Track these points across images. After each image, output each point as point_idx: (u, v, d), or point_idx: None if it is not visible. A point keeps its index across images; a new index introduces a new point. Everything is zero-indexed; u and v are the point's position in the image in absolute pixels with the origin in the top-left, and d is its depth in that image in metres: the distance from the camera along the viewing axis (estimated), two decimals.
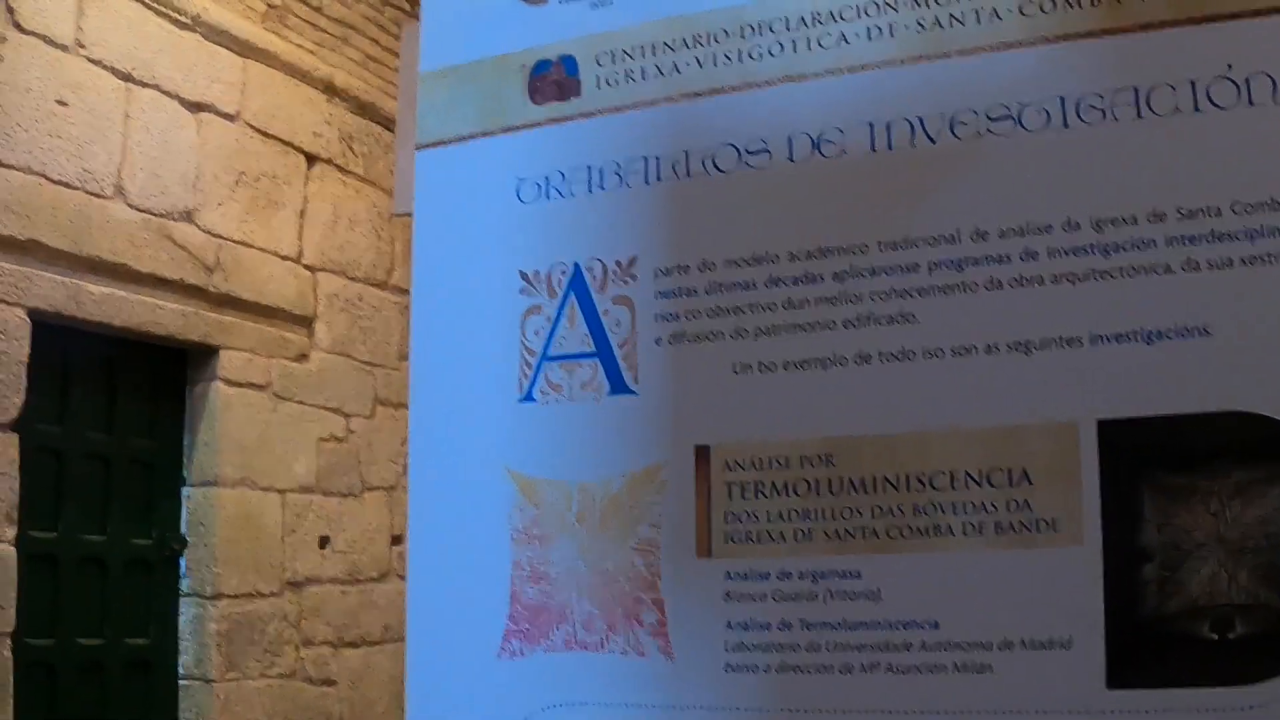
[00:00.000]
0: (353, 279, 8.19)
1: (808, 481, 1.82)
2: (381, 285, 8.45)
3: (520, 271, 2.08)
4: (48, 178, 6.24)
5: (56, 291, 6.30)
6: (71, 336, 6.54)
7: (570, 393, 2.01)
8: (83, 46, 6.48)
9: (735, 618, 1.83)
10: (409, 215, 2.37)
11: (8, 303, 6.04)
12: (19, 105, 6.12)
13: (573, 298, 2.02)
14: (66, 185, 6.34)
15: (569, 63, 2.12)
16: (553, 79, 2.13)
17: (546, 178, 2.10)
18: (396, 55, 8.36)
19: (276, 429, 7.58)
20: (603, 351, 1.99)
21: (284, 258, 7.66)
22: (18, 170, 6.08)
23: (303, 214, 7.83)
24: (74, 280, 6.39)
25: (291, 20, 7.81)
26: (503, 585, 2.00)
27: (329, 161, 8.03)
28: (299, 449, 7.74)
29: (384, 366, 8.39)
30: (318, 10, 8.00)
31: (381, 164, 8.37)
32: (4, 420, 5.99)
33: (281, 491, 7.58)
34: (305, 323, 7.80)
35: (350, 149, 8.20)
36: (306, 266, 7.83)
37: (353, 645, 8.04)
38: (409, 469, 2.15)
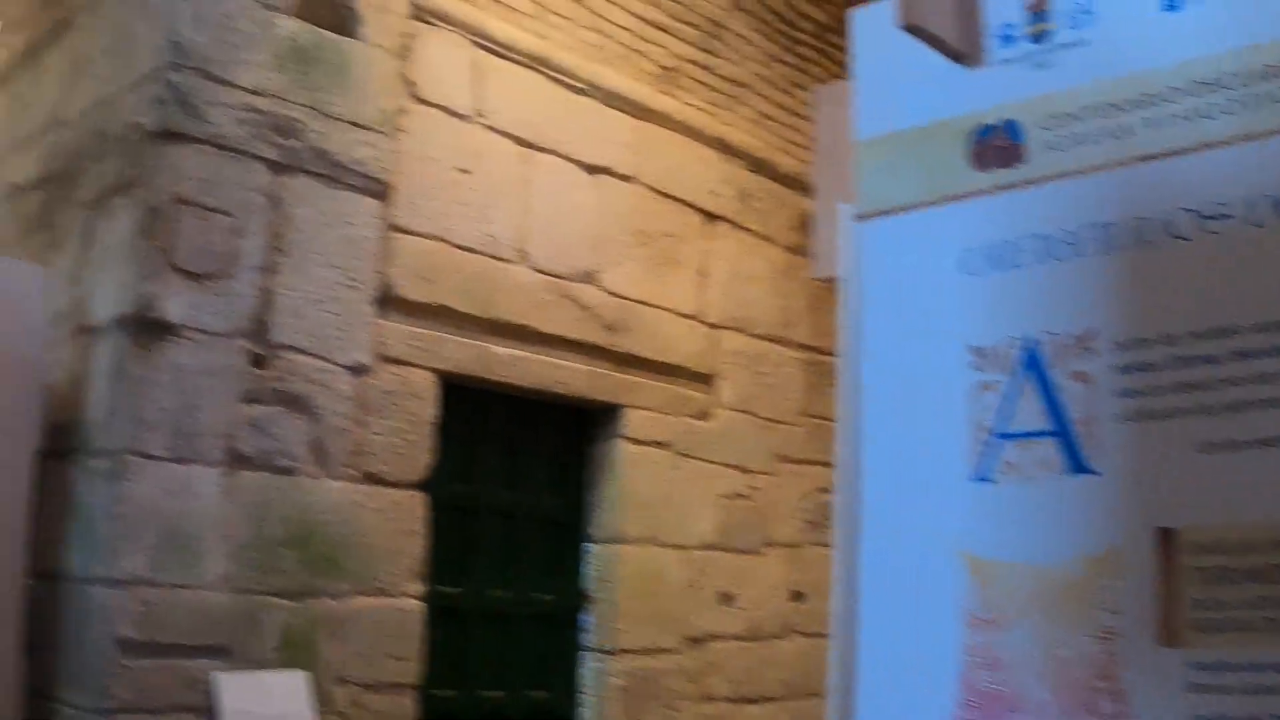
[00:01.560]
0: (753, 335, 8.20)
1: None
2: (782, 341, 8.42)
3: (969, 346, 2.01)
4: (452, 243, 6.45)
5: (463, 353, 6.48)
6: (478, 396, 6.73)
7: (1027, 472, 1.93)
8: (481, 115, 6.69)
9: (1201, 711, 1.73)
10: (831, 279, 2.33)
11: (417, 365, 6.24)
12: (422, 174, 6.36)
13: (1027, 373, 1.94)
14: (470, 250, 6.53)
15: (1012, 127, 2.05)
16: (996, 144, 2.06)
17: (993, 248, 2.03)
18: (788, 111, 8.38)
19: (679, 486, 7.63)
20: (1060, 429, 1.91)
21: (684, 316, 7.71)
22: (424, 237, 6.31)
23: (701, 272, 7.88)
24: (480, 342, 6.57)
25: (684, 81, 7.88)
26: (952, 669, 1.94)
27: (726, 219, 8.07)
28: (701, 506, 7.77)
29: (785, 423, 8.36)
30: (709, 70, 8.07)
31: (778, 220, 8.38)
32: (413, 479, 6.18)
33: (684, 548, 7.62)
34: (707, 380, 7.84)
35: (747, 206, 8.22)
36: (707, 324, 7.86)
37: (752, 701, 8.02)
38: (860, 550, 2.10)
